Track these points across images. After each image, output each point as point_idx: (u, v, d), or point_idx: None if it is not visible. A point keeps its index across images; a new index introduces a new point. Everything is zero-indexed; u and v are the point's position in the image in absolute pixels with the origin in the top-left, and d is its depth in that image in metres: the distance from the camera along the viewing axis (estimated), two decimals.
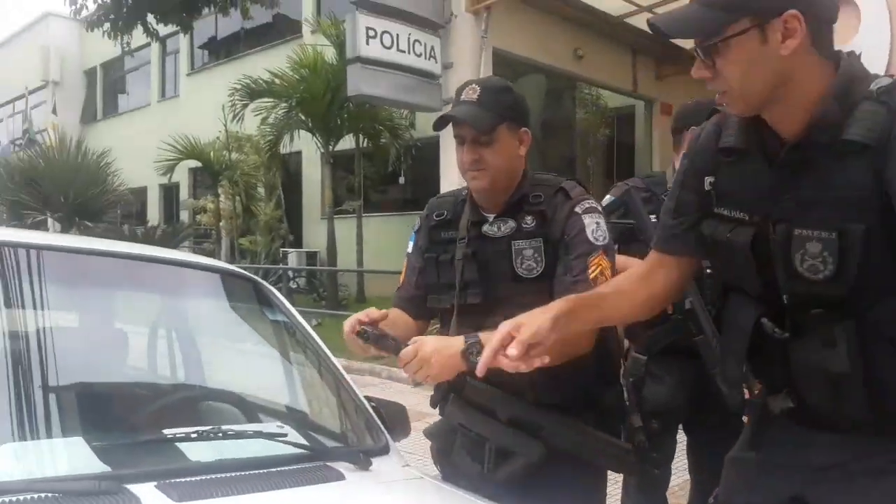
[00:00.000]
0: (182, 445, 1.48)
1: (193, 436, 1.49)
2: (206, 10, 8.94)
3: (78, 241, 1.99)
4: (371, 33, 7.31)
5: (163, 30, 9.02)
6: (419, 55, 7.98)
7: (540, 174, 1.86)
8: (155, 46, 17.75)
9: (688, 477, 2.66)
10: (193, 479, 1.37)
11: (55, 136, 16.15)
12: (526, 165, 1.84)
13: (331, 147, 11.89)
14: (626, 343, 2.33)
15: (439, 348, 1.55)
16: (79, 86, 22.49)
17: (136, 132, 18.32)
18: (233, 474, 1.41)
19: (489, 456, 1.74)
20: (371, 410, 1.85)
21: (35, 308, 1.62)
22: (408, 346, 1.61)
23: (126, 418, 1.58)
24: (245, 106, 12.08)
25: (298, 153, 14.03)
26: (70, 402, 1.52)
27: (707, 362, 2.17)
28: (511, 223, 1.77)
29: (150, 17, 8.35)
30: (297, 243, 14.25)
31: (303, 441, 1.62)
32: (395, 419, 1.91)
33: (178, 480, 1.35)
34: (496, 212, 1.80)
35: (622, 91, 11.90)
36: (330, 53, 11.15)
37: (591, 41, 10.34)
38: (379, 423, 1.83)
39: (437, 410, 1.89)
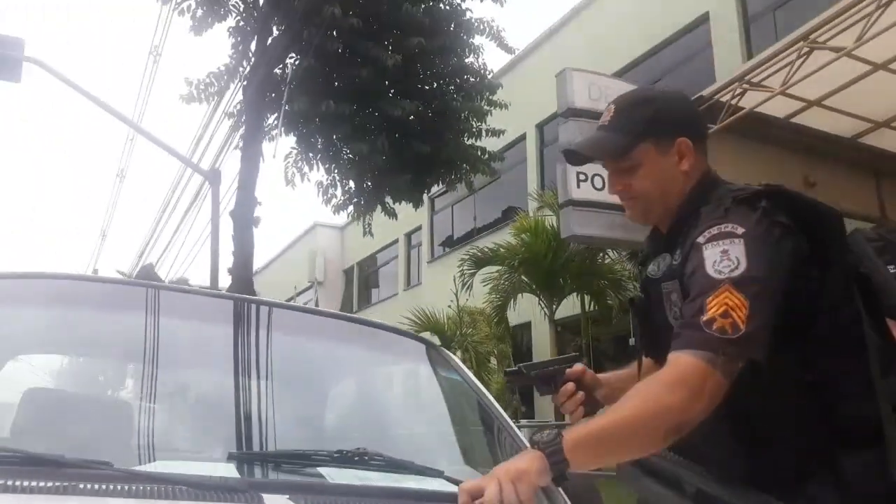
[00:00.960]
0: (324, 470, 1.44)
1: (336, 455, 1.43)
2: (434, 187, 9.80)
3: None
4: (582, 177, 7.44)
5: (404, 223, 9.80)
6: None
7: (728, 186, 1.47)
8: (402, 242, 19.82)
9: None
10: (328, 497, 1.32)
11: None
12: (703, 177, 1.50)
13: (555, 307, 11.86)
14: None
15: (508, 464, 1.20)
16: (338, 283, 25.29)
17: (386, 319, 19.81)
18: (371, 499, 1.36)
19: None
20: None
21: (240, 356, 1.80)
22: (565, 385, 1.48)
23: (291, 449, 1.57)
24: (472, 275, 12.61)
25: (527, 324, 14.20)
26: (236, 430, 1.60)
27: None
28: (667, 259, 1.45)
29: (388, 199, 9.35)
30: (529, 414, 13.98)
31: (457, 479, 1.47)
32: (581, 492, 1.69)
33: (311, 496, 1.30)
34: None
35: (868, 218, 10.59)
36: (552, 220, 11.46)
37: (824, 166, 9.54)
38: (560, 491, 1.63)
39: None
